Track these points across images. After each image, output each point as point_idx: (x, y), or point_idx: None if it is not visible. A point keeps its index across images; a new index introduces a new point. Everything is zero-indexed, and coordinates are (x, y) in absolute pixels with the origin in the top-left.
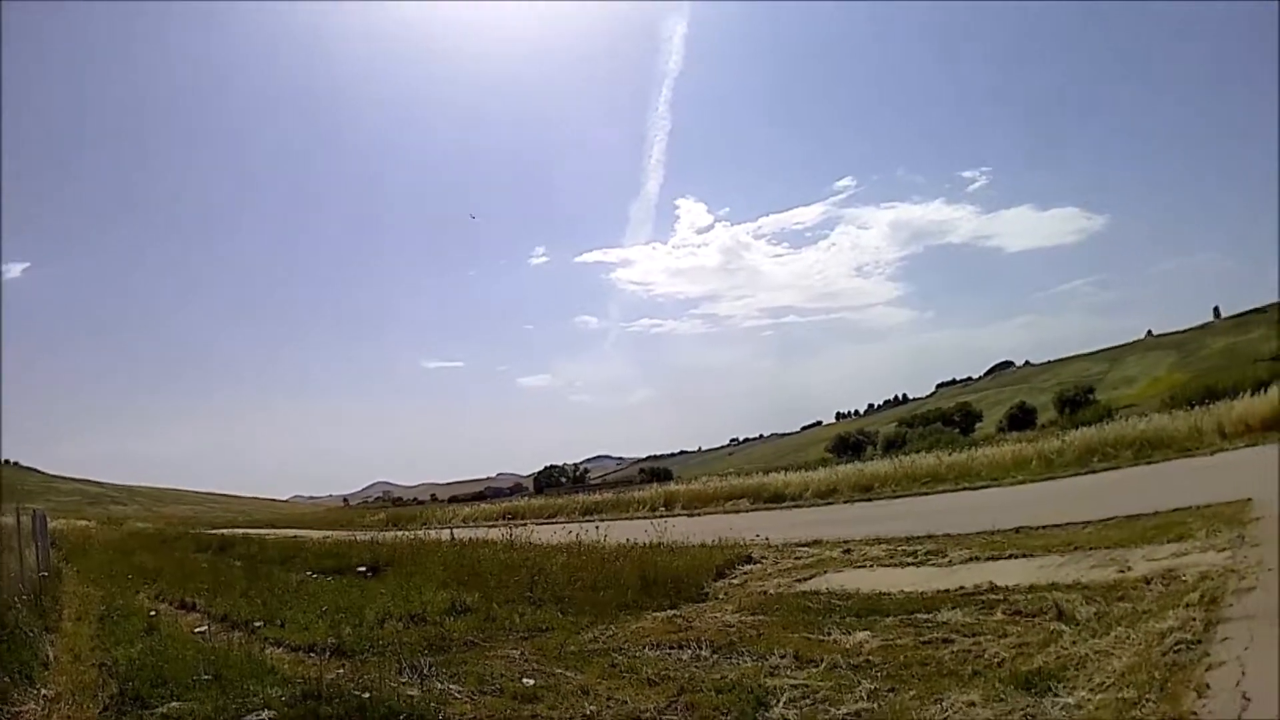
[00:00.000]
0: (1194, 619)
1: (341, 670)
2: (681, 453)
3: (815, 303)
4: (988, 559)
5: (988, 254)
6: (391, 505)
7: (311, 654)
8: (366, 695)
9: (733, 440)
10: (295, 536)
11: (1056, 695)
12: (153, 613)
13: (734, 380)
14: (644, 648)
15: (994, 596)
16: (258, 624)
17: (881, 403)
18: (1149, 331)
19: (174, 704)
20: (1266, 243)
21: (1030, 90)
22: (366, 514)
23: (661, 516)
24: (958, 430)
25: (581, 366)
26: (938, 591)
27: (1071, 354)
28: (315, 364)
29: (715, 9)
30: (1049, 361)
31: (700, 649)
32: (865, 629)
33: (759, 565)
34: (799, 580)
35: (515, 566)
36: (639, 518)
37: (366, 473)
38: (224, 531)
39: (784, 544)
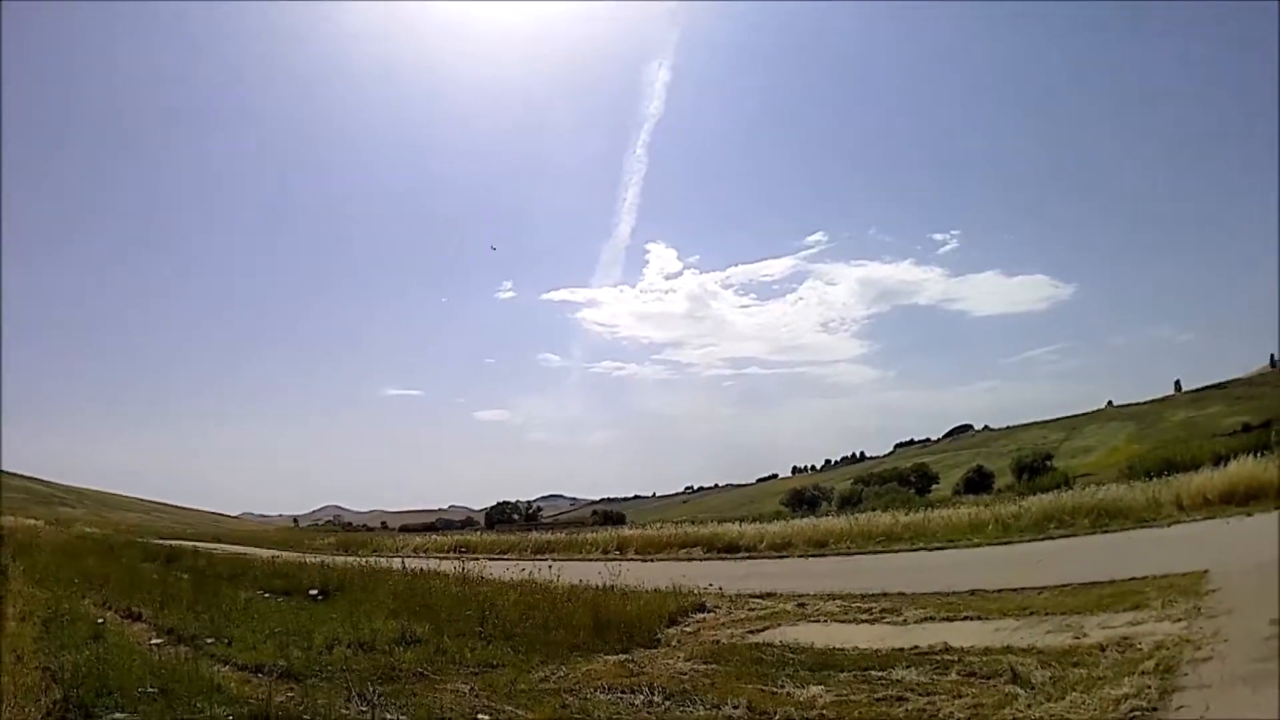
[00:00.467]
0: (1149, 687)
1: (290, 694)
2: (636, 497)
3: (779, 355)
4: (943, 619)
5: (954, 317)
6: (342, 530)
7: (259, 674)
8: None
9: (688, 488)
10: (244, 554)
11: None
12: (100, 620)
13: (693, 428)
14: (596, 690)
15: (949, 657)
16: (206, 640)
17: (839, 459)
18: (1109, 402)
19: (119, 715)
20: (1230, 319)
21: (1002, 155)
22: (316, 536)
23: (614, 560)
24: (914, 491)
25: (541, 404)
26: (892, 649)
27: (1031, 420)
28: (274, 382)
29: (699, 59)
30: (1008, 427)
31: (653, 694)
32: (819, 684)
33: (712, 614)
34: (752, 631)
35: (467, 600)
36: (592, 559)
37: (318, 495)
38: (173, 543)
39: (737, 594)
